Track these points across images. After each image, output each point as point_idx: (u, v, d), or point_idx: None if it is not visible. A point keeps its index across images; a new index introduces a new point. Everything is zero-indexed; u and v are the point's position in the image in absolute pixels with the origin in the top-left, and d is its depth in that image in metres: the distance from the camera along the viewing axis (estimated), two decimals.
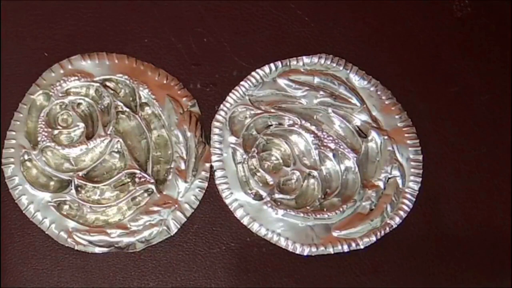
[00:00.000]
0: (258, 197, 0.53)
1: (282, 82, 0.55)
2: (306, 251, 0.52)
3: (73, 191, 0.52)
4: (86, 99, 0.54)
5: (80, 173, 0.53)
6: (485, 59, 0.57)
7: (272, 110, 0.54)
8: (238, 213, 0.53)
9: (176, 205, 0.53)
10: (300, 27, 0.57)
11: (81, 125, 0.53)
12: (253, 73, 0.55)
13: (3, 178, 0.53)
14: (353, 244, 0.52)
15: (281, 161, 0.54)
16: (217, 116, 0.54)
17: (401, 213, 0.53)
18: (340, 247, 0.52)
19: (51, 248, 0.53)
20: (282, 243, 0.52)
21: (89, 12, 0.56)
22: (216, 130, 0.54)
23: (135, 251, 0.52)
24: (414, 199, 0.53)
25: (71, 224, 0.52)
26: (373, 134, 0.54)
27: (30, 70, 0.55)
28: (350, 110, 0.54)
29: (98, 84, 0.54)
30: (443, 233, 0.54)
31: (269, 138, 0.54)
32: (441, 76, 0.56)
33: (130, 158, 0.53)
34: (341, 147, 0.54)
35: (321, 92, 0.54)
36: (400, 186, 0.53)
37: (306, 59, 0.55)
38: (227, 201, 0.53)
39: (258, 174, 0.54)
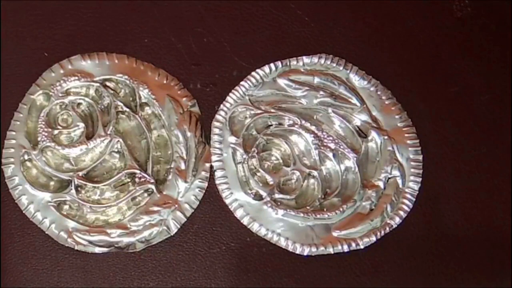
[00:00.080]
0: (258, 197, 0.53)
1: (282, 82, 0.55)
2: (306, 251, 0.52)
3: (73, 191, 0.52)
4: (86, 99, 0.54)
5: (80, 173, 0.53)
6: (485, 59, 0.57)
7: (272, 110, 0.54)
8: (238, 213, 0.53)
9: (176, 205, 0.53)
10: (300, 27, 0.57)
11: (81, 125, 0.53)
12: (253, 73, 0.55)
13: (3, 178, 0.53)
14: (353, 244, 0.52)
15: (281, 161, 0.54)
16: (217, 116, 0.54)
17: (401, 213, 0.53)
18: (340, 247, 0.52)
19: (51, 248, 0.53)
20: (282, 243, 0.52)
21: (89, 12, 0.56)
22: (216, 130, 0.54)
23: (135, 251, 0.52)
24: (414, 199, 0.53)
25: (71, 224, 0.52)
26: (373, 134, 0.54)
27: (30, 70, 0.55)
28: (350, 110, 0.54)
29: (98, 84, 0.54)
30: (443, 233, 0.54)
31: (269, 138, 0.54)
32: (441, 76, 0.56)
33: (130, 158, 0.53)
34: (341, 147, 0.54)
35: (321, 92, 0.54)
36: (400, 186, 0.53)
37: (306, 59, 0.55)
38: (227, 201, 0.53)
39: (258, 174, 0.54)
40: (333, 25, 0.57)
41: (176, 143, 0.53)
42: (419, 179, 0.54)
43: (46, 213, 0.52)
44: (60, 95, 0.54)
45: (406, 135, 0.54)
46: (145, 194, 0.53)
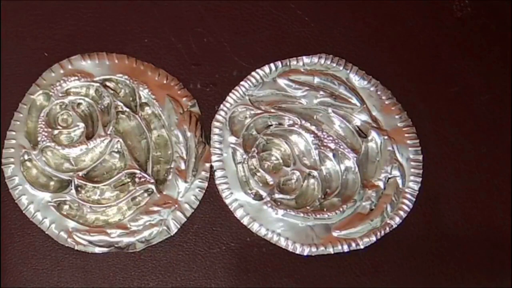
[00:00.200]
0: (258, 197, 0.53)
1: (282, 82, 0.55)
2: (306, 251, 0.52)
3: (73, 191, 0.52)
4: (86, 99, 0.54)
5: (80, 173, 0.53)
6: (485, 59, 0.57)
7: (272, 110, 0.54)
8: (238, 213, 0.53)
9: (176, 205, 0.53)
10: (300, 27, 0.57)
11: (81, 125, 0.53)
12: (253, 73, 0.55)
13: (3, 178, 0.53)
14: (353, 244, 0.52)
15: (281, 161, 0.54)
16: (217, 116, 0.54)
17: (401, 213, 0.53)
18: (340, 247, 0.52)
19: (51, 248, 0.53)
20: (282, 243, 0.52)
21: (89, 12, 0.56)
22: (216, 130, 0.54)
23: (135, 251, 0.52)
24: (414, 199, 0.53)
25: (71, 224, 0.52)
26: (373, 134, 0.54)
27: (30, 70, 0.55)
28: (350, 110, 0.54)
29: (98, 84, 0.54)
30: (443, 233, 0.54)
31: (269, 138, 0.54)
32: (441, 76, 0.56)
33: (130, 158, 0.53)
34: (341, 147, 0.54)
35: (321, 92, 0.54)
36: (400, 186, 0.53)
37: (306, 59, 0.55)
38: (227, 201, 0.53)
39: (258, 174, 0.54)
40: (333, 25, 0.57)
41: (176, 143, 0.53)
42: (419, 179, 0.54)
43: (46, 213, 0.52)
44: (60, 95, 0.54)
45: (406, 135, 0.54)
46: (145, 194, 0.53)
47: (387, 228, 0.53)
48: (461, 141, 0.55)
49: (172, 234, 0.53)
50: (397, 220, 0.53)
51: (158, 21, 0.56)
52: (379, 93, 0.55)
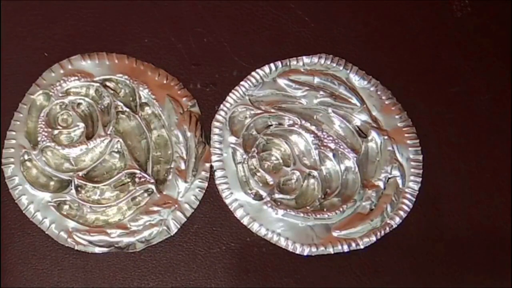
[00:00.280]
0: (258, 197, 0.53)
1: (282, 82, 0.55)
2: (306, 251, 0.52)
3: (73, 191, 0.52)
4: (86, 99, 0.54)
5: (80, 173, 0.53)
6: (485, 59, 0.57)
7: (272, 110, 0.54)
8: (238, 213, 0.53)
9: (176, 205, 0.53)
10: (300, 27, 0.57)
11: (81, 125, 0.53)
12: (253, 73, 0.55)
13: (3, 178, 0.53)
14: (353, 244, 0.52)
15: (281, 161, 0.54)
16: (217, 116, 0.54)
17: (401, 213, 0.53)
18: (340, 247, 0.52)
19: (51, 248, 0.53)
20: (282, 243, 0.52)
21: (89, 12, 0.56)
22: (216, 130, 0.54)
23: (135, 251, 0.52)
24: (414, 199, 0.53)
25: (71, 224, 0.52)
26: (373, 134, 0.54)
27: (30, 70, 0.55)
28: (350, 110, 0.54)
29: (98, 84, 0.54)
30: (443, 233, 0.54)
31: (269, 138, 0.54)
32: (441, 76, 0.56)
33: (130, 158, 0.53)
34: (341, 147, 0.54)
35: (321, 92, 0.54)
36: (400, 186, 0.53)
37: (306, 59, 0.55)
38: (227, 201, 0.53)
39: (258, 174, 0.54)
40: (333, 25, 0.57)
41: (176, 143, 0.53)
42: (419, 179, 0.54)
43: (46, 213, 0.52)
44: (60, 95, 0.54)
45: (406, 135, 0.54)
46: (145, 194, 0.53)
47: (387, 228, 0.53)
48: (461, 141, 0.55)
49: (172, 234, 0.53)
50: (397, 220, 0.53)
51: (158, 21, 0.56)
52: (379, 93, 0.55)
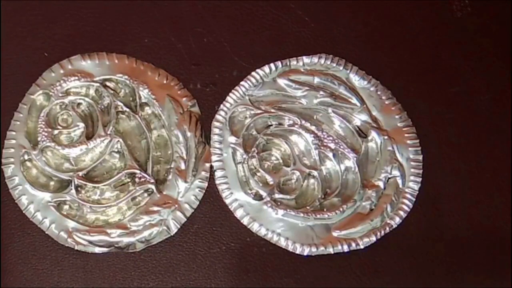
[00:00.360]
0: (258, 197, 0.53)
1: (282, 82, 0.55)
2: (306, 251, 0.52)
3: (73, 191, 0.52)
4: (86, 99, 0.54)
5: (80, 173, 0.53)
6: (485, 59, 0.57)
7: (272, 110, 0.54)
8: (238, 213, 0.53)
9: (176, 205, 0.53)
10: (300, 27, 0.57)
11: (81, 125, 0.53)
12: (253, 73, 0.55)
13: (3, 178, 0.53)
14: (353, 244, 0.52)
15: (281, 161, 0.54)
16: (217, 116, 0.54)
17: (401, 213, 0.53)
18: (340, 247, 0.52)
19: (51, 248, 0.53)
20: (282, 243, 0.52)
21: (89, 12, 0.56)
22: (216, 130, 0.54)
23: (135, 251, 0.52)
24: (414, 199, 0.53)
25: (71, 224, 0.52)
26: (373, 134, 0.54)
27: (30, 70, 0.55)
28: (350, 110, 0.54)
29: (98, 84, 0.54)
30: (443, 233, 0.54)
31: (269, 138, 0.54)
32: (441, 76, 0.56)
33: (130, 158, 0.53)
34: (341, 147, 0.54)
35: (321, 92, 0.54)
36: (400, 186, 0.53)
37: (306, 59, 0.55)
38: (227, 201, 0.53)
39: (258, 174, 0.54)
40: (333, 25, 0.57)
41: (176, 143, 0.53)
42: (419, 179, 0.54)
43: (46, 213, 0.52)
44: (60, 95, 0.54)
45: (406, 135, 0.54)
46: (145, 194, 0.53)
47: (387, 228, 0.53)
48: (461, 141, 0.55)
49: (172, 234, 0.53)
50: (397, 220, 0.53)
51: (158, 21, 0.56)
52: (379, 93, 0.55)
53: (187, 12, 0.57)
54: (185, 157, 0.53)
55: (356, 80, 0.55)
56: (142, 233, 0.52)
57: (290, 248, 0.52)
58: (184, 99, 0.55)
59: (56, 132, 0.53)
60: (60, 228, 0.52)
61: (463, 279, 0.53)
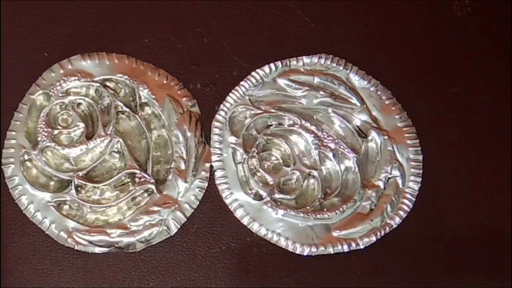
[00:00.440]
0: (258, 197, 0.53)
1: (282, 82, 0.55)
2: (306, 251, 0.52)
3: (73, 191, 0.52)
4: (86, 99, 0.54)
5: (80, 173, 0.53)
6: (485, 59, 0.57)
7: (272, 110, 0.54)
8: (238, 213, 0.53)
9: (176, 205, 0.53)
10: (300, 27, 0.57)
11: (81, 125, 0.53)
12: (253, 73, 0.55)
13: (3, 178, 0.53)
14: (353, 244, 0.52)
15: (281, 161, 0.54)
16: (217, 116, 0.54)
17: (401, 213, 0.53)
18: (340, 247, 0.52)
19: (51, 248, 0.53)
20: (282, 243, 0.52)
21: (89, 12, 0.56)
22: (216, 130, 0.54)
23: (135, 251, 0.52)
24: (414, 199, 0.53)
25: (71, 224, 0.52)
26: (373, 134, 0.54)
27: (30, 70, 0.55)
28: (350, 110, 0.54)
29: (98, 84, 0.54)
30: (443, 233, 0.54)
31: (269, 138, 0.54)
32: (441, 76, 0.56)
33: (130, 158, 0.53)
34: (341, 147, 0.54)
35: (321, 92, 0.54)
36: (400, 186, 0.53)
37: (306, 59, 0.55)
38: (227, 201, 0.53)
39: (258, 174, 0.54)
40: (333, 25, 0.57)
41: (176, 143, 0.53)
42: (419, 179, 0.54)
43: (46, 213, 0.52)
44: (60, 95, 0.54)
45: (406, 135, 0.54)
46: (145, 194, 0.53)
47: (387, 228, 0.53)
48: (461, 141, 0.55)
49: (172, 234, 0.53)
50: (397, 220, 0.53)
51: (158, 21, 0.56)
52: (379, 93, 0.55)
53: (187, 12, 0.57)
54: (185, 157, 0.53)
55: (356, 80, 0.55)
56: (142, 233, 0.52)
57: (290, 248, 0.52)
58: (184, 99, 0.55)
59: (56, 132, 0.53)
60: (60, 228, 0.52)
61: (463, 279, 0.53)
